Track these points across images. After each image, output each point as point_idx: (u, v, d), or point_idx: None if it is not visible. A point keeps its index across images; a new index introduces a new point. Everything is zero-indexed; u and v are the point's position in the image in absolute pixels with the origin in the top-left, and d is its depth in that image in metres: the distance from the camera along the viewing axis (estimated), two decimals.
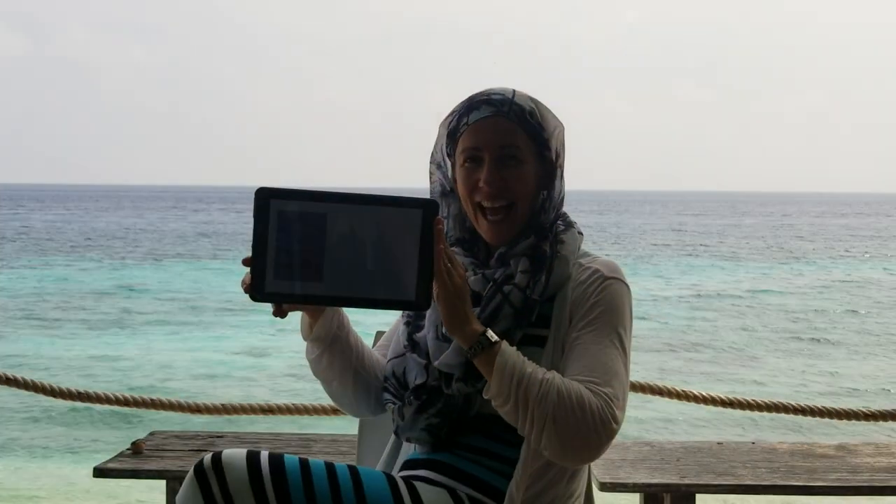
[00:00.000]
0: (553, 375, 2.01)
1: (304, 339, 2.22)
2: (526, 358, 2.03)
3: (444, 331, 2.09)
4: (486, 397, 2.03)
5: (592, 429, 1.97)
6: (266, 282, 1.94)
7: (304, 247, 1.93)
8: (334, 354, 2.22)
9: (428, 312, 2.16)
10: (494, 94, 2.17)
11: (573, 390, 1.99)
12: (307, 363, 2.26)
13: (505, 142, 2.15)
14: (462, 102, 2.20)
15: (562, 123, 2.25)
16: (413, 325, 2.24)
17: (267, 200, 1.92)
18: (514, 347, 2.04)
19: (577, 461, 2.07)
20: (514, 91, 2.19)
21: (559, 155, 2.22)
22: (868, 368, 16.75)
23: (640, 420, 10.85)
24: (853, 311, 24.44)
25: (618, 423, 2.00)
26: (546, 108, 2.21)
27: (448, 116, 2.22)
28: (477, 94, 2.19)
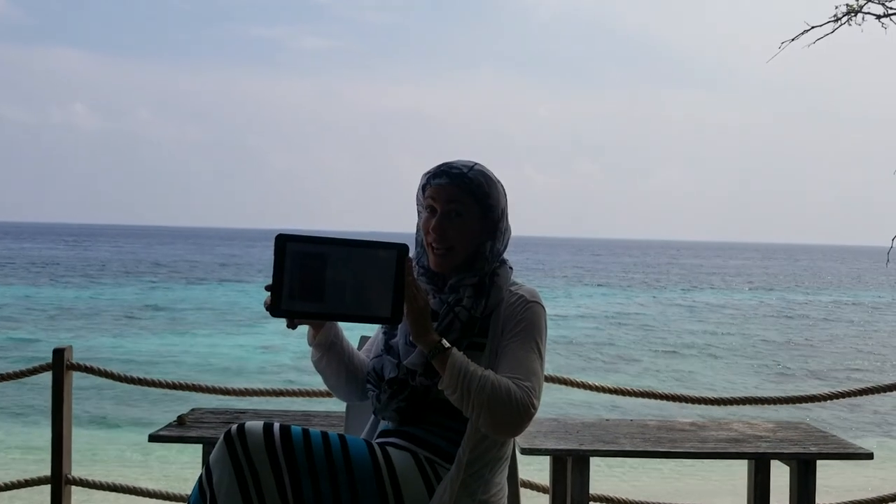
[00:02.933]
0: (489, 373, 2.01)
1: (309, 345, 2.20)
2: (470, 360, 2.02)
3: (410, 339, 2.09)
4: (440, 388, 2.03)
5: (515, 412, 1.97)
6: (282, 302, 1.91)
7: (309, 277, 1.91)
8: (331, 357, 2.21)
9: (399, 325, 2.16)
10: (454, 167, 2.17)
11: (502, 383, 1.99)
12: (310, 362, 2.26)
13: (450, 202, 2.14)
14: (435, 167, 2.19)
15: (505, 195, 2.22)
16: (389, 334, 2.23)
17: (284, 243, 1.90)
18: (462, 352, 2.04)
19: (505, 435, 2.04)
20: (472, 167, 2.17)
21: (500, 218, 2.19)
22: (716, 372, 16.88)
23: (551, 402, 10.87)
24: (702, 329, 24.67)
25: (534, 407, 2.00)
26: (495, 183, 2.19)
27: (425, 174, 2.21)
28: (444, 164, 2.19)
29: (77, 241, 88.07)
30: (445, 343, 2.02)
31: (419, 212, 2.25)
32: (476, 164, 2.20)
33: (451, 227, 2.14)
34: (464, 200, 2.14)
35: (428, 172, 2.20)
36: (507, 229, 2.23)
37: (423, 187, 2.19)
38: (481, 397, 1.97)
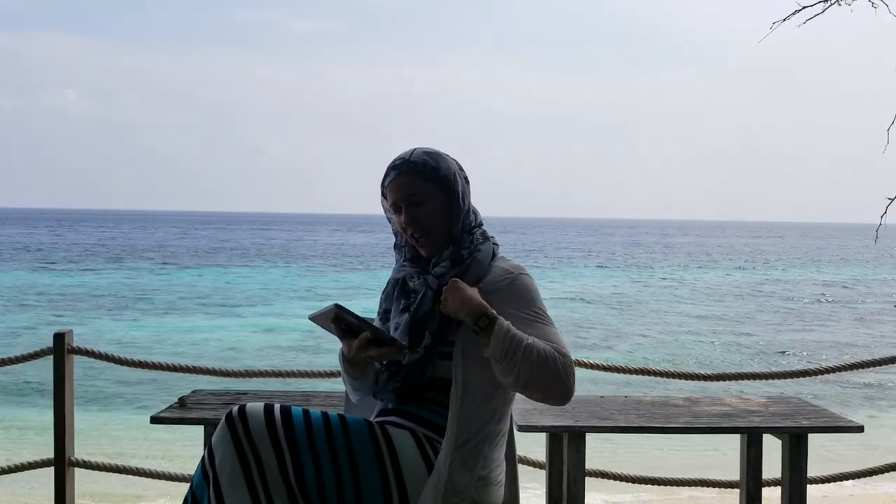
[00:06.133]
0: (533, 340, 2.01)
1: (348, 375, 2.23)
2: (513, 327, 2.02)
3: (398, 321, 2.17)
4: (486, 356, 2.02)
5: (564, 378, 2.00)
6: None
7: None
8: (363, 385, 2.24)
9: (392, 309, 2.24)
10: (397, 159, 2.19)
11: (548, 350, 2.00)
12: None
13: (408, 192, 2.16)
14: (385, 172, 2.21)
15: (455, 162, 2.22)
16: (384, 319, 2.28)
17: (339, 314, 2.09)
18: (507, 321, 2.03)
19: (556, 402, 2.04)
20: (413, 151, 2.19)
21: (454, 185, 2.19)
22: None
23: None
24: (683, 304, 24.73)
25: (574, 370, 2.04)
26: (440, 155, 2.20)
27: (380, 184, 2.23)
28: (390, 163, 2.20)
29: (68, 226, 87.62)
30: (484, 322, 2.01)
31: (389, 219, 2.27)
32: (416, 147, 2.21)
33: (420, 214, 2.16)
34: (418, 184, 2.16)
35: (381, 181, 2.22)
36: (467, 187, 2.23)
37: (383, 195, 2.23)
38: (529, 364, 1.97)
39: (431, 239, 2.18)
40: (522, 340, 2.00)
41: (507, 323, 2.02)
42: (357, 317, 2.11)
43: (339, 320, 2.11)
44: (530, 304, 2.12)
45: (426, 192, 2.16)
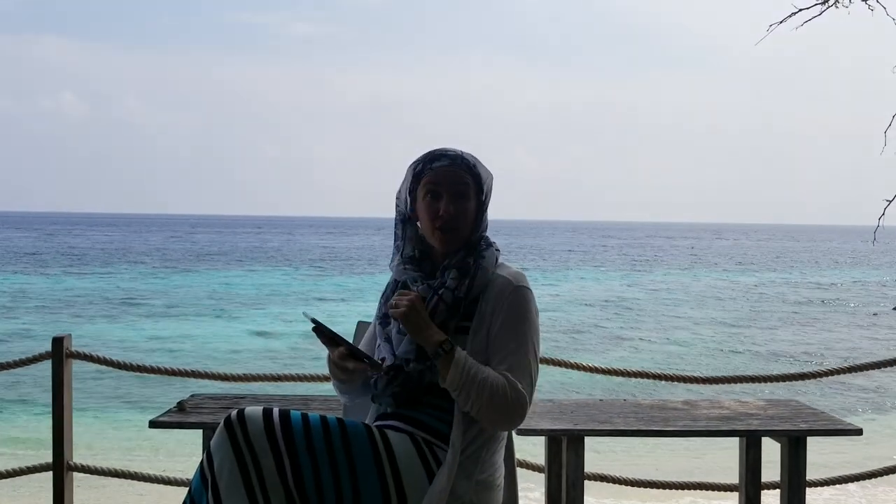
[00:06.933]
0: (487, 375, 2.05)
1: (335, 379, 2.26)
2: (471, 359, 2.07)
3: (401, 327, 2.16)
4: (442, 386, 2.08)
5: (511, 412, 2.06)
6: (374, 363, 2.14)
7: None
8: (350, 388, 2.27)
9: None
10: (449, 150, 2.21)
11: (499, 387, 2.05)
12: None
13: (458, 182, 2.18)
14: (425, 154, 2.22)
15: (492, 175, 2.27)
16: (384, 324, 2.27)
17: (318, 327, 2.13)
18: (464, 351, 2.08)
19: (501, 430, 2.15)
20: (462, 150, 2.23)
21: (487, 195, 2.24)
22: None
23: (544, 384, 10.91)
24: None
25: (527, 404, 2.09)
26: (482, 163, 2.25)
27: (414, 163, 2.22)
28: (438, 149, 2.22)
29: (64, 230, 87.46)
30: (447, 346, 2.06)
31: (404, 203, 2.24)
32: (462, 150, 2.24)
33: (460, 206, 2.18)
34: (467, 181, 2.19)
35: (419, 161, 2.21)
36: (488, 205, 2.28)
37: (417, 176, 2.20)
38: (480, 400, 2.04)
39: (457, 237, 2.19)
40: (478, 374, 2.04)
41: (464, 354, 2.07)
42: (333, 333, 2.14)
43: (318, 332, 2.14)
44: (521, 323, 2.13)
45: (470, 191, 2.19)
